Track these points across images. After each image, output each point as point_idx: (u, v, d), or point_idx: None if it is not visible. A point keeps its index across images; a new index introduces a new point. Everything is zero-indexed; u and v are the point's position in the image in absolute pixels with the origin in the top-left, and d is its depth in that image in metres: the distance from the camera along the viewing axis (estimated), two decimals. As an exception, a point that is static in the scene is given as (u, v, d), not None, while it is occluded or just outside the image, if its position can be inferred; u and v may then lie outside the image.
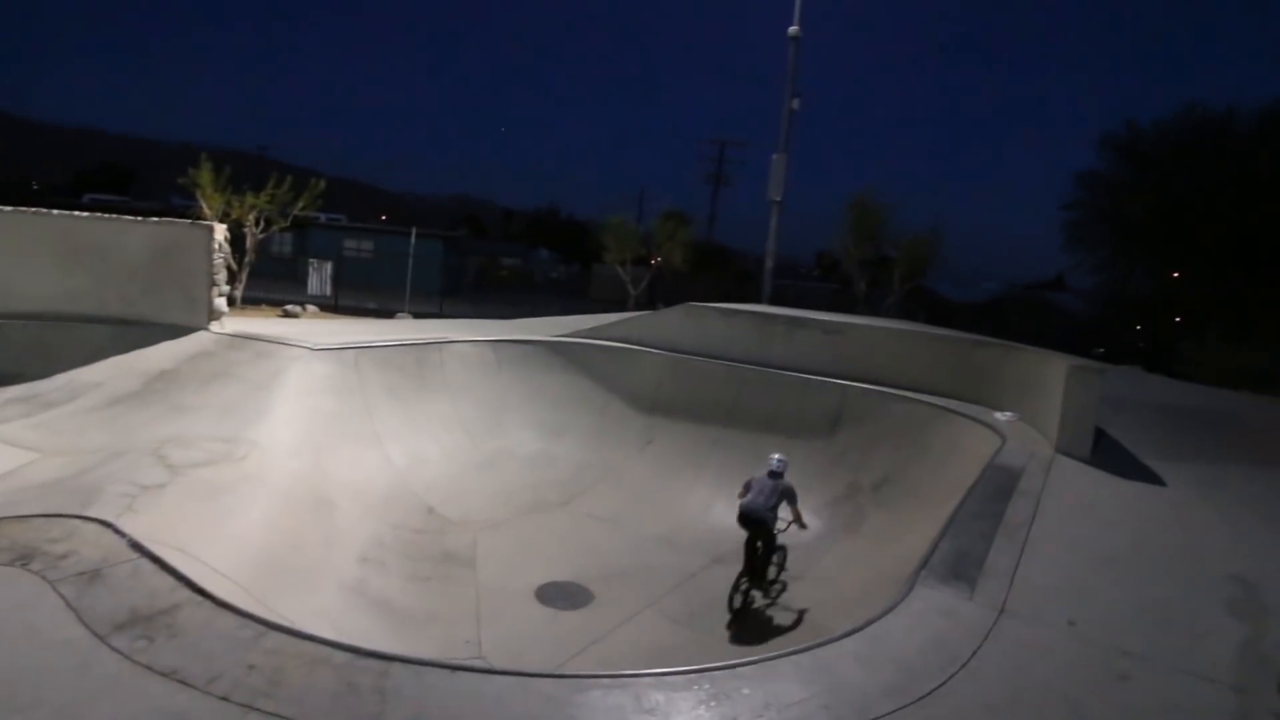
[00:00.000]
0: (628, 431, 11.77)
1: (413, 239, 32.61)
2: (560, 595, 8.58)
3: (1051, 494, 7.60)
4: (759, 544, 8.46)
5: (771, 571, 8.78)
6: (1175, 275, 34.62)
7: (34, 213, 11.46)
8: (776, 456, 8.81)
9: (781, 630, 8.05)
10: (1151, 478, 8.61)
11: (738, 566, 8.72)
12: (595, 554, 9.74)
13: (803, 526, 8.60)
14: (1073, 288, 50.44)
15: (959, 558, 5.83)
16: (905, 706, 3.93)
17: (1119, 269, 35.86)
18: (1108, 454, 9.27)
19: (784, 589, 8.94)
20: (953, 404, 11.42)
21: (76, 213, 11.69)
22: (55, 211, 11.55)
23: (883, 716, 3.84)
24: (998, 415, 10.87)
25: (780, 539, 8.59)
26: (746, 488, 8.70)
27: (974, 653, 4.48)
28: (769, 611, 8.48)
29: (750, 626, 8.11)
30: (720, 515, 10.65)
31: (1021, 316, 44.85)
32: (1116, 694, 4.23)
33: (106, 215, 11.86)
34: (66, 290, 11.20)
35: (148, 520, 5.71)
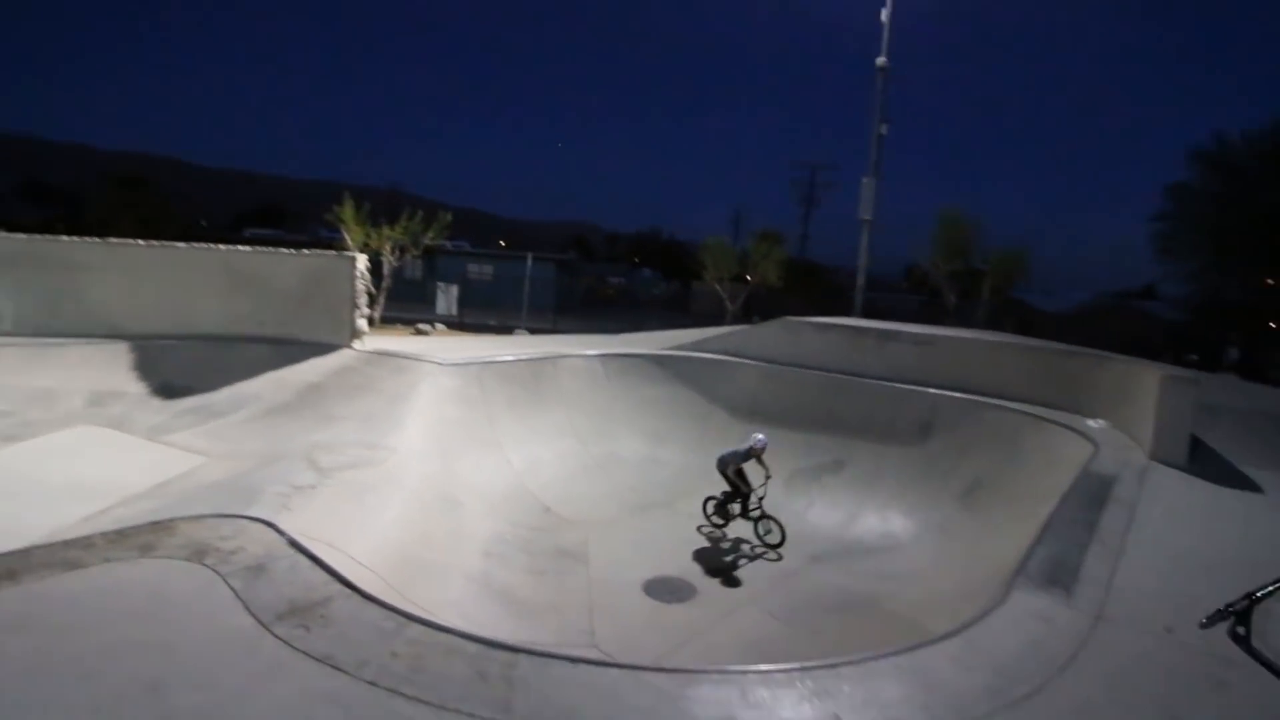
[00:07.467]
0: (727, 437, 11.68)
1: (529, 263, 33.99)
2: (666, 589, 8.56)
3: (1147, 500, 7.11)
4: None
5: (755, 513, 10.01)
6: (1269, 283, 32.46)
7: (205, 248, 12.18)
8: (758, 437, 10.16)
9: (876, 627, 7.84)
10: (1250, 485, 7.94)
11: (835, 565, 8.68)
12: (698, 551, 9.72)
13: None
14: (1164, 296, 47.31)
15: (1055, 564, 5.54)
16: (1002, 708, 3.78)
17: (1210, 278, 33.70)
18: (1204, 462, 8.61)
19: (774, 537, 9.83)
20: (1044, 412, 10.84)
21: (240, 247, 12.34)
22: (222, 247, 12.21)
23: (980, 718, 3.71)
24: (1090, 423, 10.28)
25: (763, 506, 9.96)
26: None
27: (1071, 657, 4.26)
28: (860, 605, 8.29)
29: (850, 624, 7.93)
30: (818, 516, 10.47)
31: (1113, 325, 42.69)
32: (1214, 700, 3.98)
33: (264, 249, 12.50)
34: (231, 314, 11.87)
35: (302, 518, 5.84)
